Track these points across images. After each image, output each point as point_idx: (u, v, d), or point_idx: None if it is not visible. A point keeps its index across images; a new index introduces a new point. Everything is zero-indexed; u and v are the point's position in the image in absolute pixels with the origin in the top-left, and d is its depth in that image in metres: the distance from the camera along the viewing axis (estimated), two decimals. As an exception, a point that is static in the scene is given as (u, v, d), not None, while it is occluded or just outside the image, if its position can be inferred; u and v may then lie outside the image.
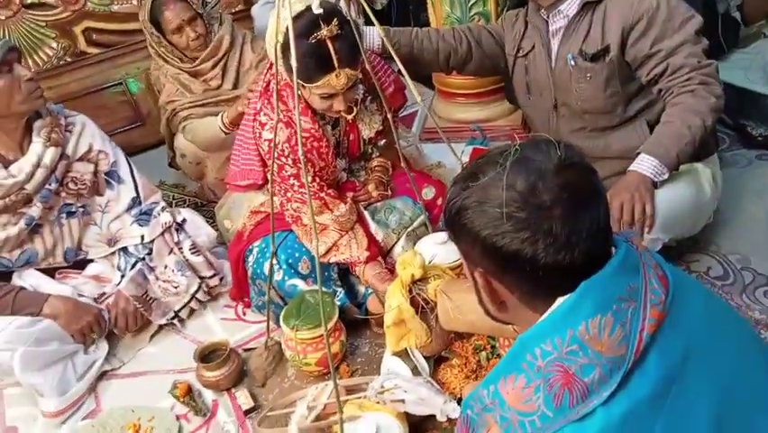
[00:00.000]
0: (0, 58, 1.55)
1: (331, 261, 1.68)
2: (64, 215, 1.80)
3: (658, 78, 1.53)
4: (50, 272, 1.82)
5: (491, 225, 0.72)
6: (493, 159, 0.75)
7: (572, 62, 1.62)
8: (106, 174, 1.87)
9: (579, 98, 1.66)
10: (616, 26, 1.54)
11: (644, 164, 1.47)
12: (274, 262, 1.66)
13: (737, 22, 2.46)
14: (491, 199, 0.72)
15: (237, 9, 3.00)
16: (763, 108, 2.15)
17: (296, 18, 1.31)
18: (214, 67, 2.21)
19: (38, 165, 1.69)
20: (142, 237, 1.86)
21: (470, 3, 2.28)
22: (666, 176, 1.47)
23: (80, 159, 1.81)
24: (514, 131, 2.52)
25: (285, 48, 1.35)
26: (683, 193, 1.54)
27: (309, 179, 1.66)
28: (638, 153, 1.49)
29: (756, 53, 2.41)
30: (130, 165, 1.93)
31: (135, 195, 1.90)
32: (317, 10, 1.28)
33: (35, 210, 1.72)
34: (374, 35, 1.69)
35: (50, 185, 1.73)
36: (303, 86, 1.51)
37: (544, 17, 1.68)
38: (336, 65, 1.44)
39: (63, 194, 1.78)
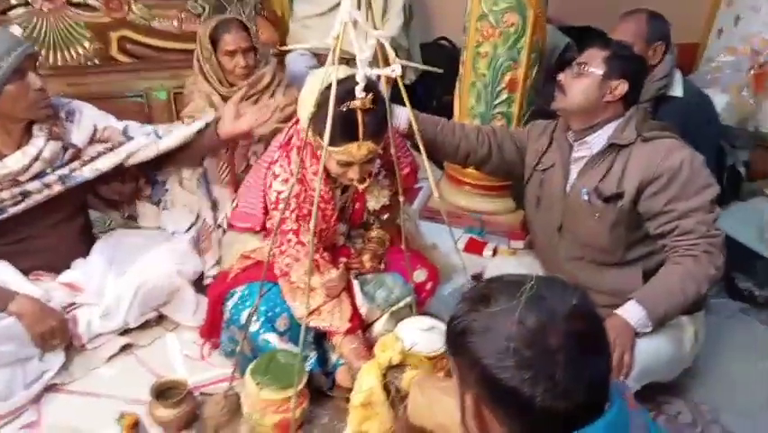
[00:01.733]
0: (16, 64, 1.55)
1: (311, 324, 1.65)
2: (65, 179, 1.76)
3: (666, 234, 1.56)
4: (25, 272, 1.77)
5: (495, 356, 0.72)
6: (508, 288, 0.76)
7: (585, 197, 1.65)
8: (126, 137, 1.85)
9: (584, 231, 1.69)
10: (635, 175, 1.57)
11: (632, 313, 1.49)
12: (253, 312, 1.64)
13: (741, 176, 2.57)
14: (500, 330, 0.72)
15: (271, 52, 3.06)
16: (753, 265, 2.21)
17: (329, 86, 1.34)
18: (247, 99, 2.26)
19: (36, 158, 1.67)
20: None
21: (495, 102, 2.36)
22: (649, 330, 1.49)
23: (90, 143, 1.78)
24: (512, 231, 2.55)
25: (318, 110, 1.37)
26: (663, 347, 1.56)
27: (314, 240, 1.67)
28: (629, 299, 1.50)
29: (754, 210, 2.49)
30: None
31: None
32: (361, 82, 1.30)
33: (31, 186, 1.69)
34: (403, 116, 1.73)
35: (43, 177, 1.69)
36: (322, 146, 1.53)
37: (571, 141, 1.72)
38: (361, 136, 1.47)
39: (70, 172, 1.74)
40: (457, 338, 0.77)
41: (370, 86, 1.46)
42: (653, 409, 1.70)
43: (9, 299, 1.66)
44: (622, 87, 1.59)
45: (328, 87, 1.33)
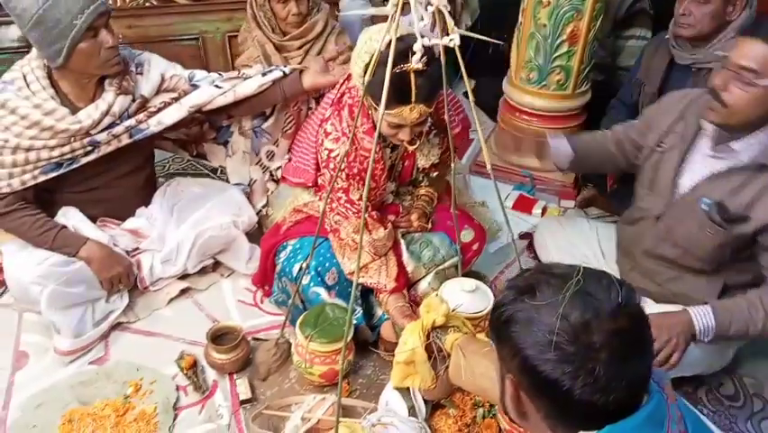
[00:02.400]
0: (88, 23, 1.56)
1: (358, 281, 1.71)
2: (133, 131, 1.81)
3: None
4: (92, 219, 1.87)
5: (537, 348, 0.74)
6: (554, 280, 0.77)
7: (705, 207, 1.46)
8: (192, 86, 1.88)
9: (686, 236, 1.53)
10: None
11: (702, 318, 1.44)
12: (304, 265, 1.70)
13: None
14: (543, 323, 0.74)
15: None
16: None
17: (388, 45, 1.32)
18: (299, 48, 2.30)
19: (106, 113, 1.72)
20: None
21: (555, 54, 2.27)
22: (707, 341, 1.45)
23: (157, 92, 1.82)
24: (564, 188, 2.51)
25: (372, 71, 1.35)
26: (709, 359, 1.54)
27: (359, 197, 1.70)
28: (706, 303, 1.46)
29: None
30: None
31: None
32: (419, 51, 1.27)
33: (100, 137, 1.75)
34: (562, 152, 1.77)
35: (112, 128, 1.74)
36: (375, 108, 1.53)
37: (709, 135, 1.49)
38: (413, 99, 1.46)
39: (136, 123, 1.78)
40: (501, 326, 0.79)
41: (425, 47, 1.42)
42: (695, 380, 1.69)
43: (80, 245, 1.77)
44: None
45: (384, 48, 1.32)
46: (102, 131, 1.73)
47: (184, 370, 1.69)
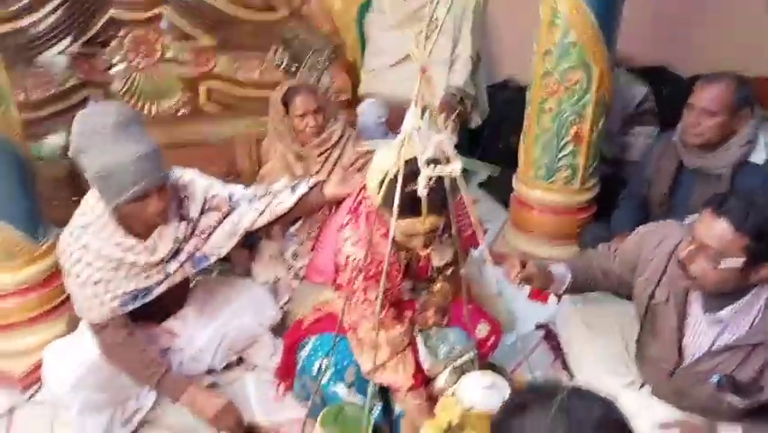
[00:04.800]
0: (140, 193, 1.61)
1: (375, 380, 1.77)
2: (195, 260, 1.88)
3: None
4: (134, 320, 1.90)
5: None
6: (542, 399, 0.85)
7: (716, 384, 1.45)
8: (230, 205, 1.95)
9: (703, 398, 1.50)
10: None
11: None
12: (325, 363, 1.77)
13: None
14: None
15: (344, 98, 3.23)
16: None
17: (407, 163, 1.45)
18: (319, 156, 2.46)
19: (175, 241, 1.79)
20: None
21: (560, 154, 2.40)
22: None
23: (202, 213, 1.88)
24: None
25: (385, 191, 1.48)
26: None
27: (374, 297, 1.79)
28: (740, 426, 1.46)
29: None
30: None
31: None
32: (423, 180, 1.38)
33: (171, 267, 1.81)
34: (558, 280, 1.80)
35: (177, 255, 1.81)
36: (387, 219, 1.65)
37: (698, 305, 1.50)
38: (424, 213, 1.58)
39: (194, 249, 1.85)
40: None
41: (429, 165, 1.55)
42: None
43: (181, 391, 1.76)
44: None
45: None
46: (170, 258, 1.80)
47: (209, 468, 1.74)
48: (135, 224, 1.74)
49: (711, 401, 1.51)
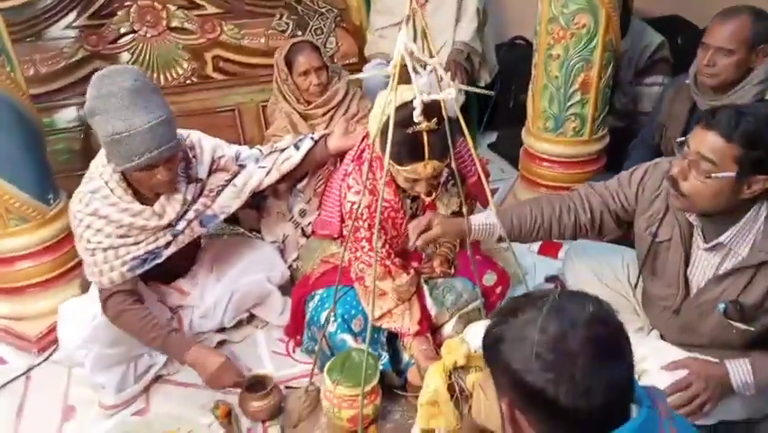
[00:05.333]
0: (146, 163, 1.61)
1: (383, 326, 1.77)
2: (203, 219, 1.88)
3: None
4: (145, 280, 1.93)
5: (522, 361, 0.80)
6: (534, 301, 0.85)
7: (722, 309, 1.43)
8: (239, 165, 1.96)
9: (709, 331, 1.50)
10: None
11: (740, 375, 1.41)
12: (330, 314, 1.77)
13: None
14: (525, 338, 0.81)
15: (351, 61, 3.20)
16: None
17: (400, 107, 1.43)
18: (324, 114, 2.44)
19: (184, 203, 1.79)
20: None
21: (569, 103, 2.35)
22: (749, 394, 1.42)
23: (210, 174, 1.88)
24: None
25: (384, 130, 1.47)
26: (757, 404, 1.48)
27: (386, 247, 1.79)
28: (749, 356, 1.42)
29: None
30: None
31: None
32: (419, 107, 1.38)
33: (180, 226, 1.81)
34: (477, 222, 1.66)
35: (186, 214, 1.81)
36: (392, 165, 1.64)
37: (697, 233, 1.46)
38: (427, 156, 1.55)
39: (203, 207, 1.85)
40: (490, 348, 0.87)
41: (433, 107, 1.53)
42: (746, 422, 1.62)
43: (185, 350, 1.77)
44: (764, 182, 1.31)
45: (395, 110, 1.44)
46: (179, 219, 1.81)
47: (219, 419, 1.76)
48: (143, 189, 1.75)
49: (719, 333, 1.47)
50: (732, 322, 1.43)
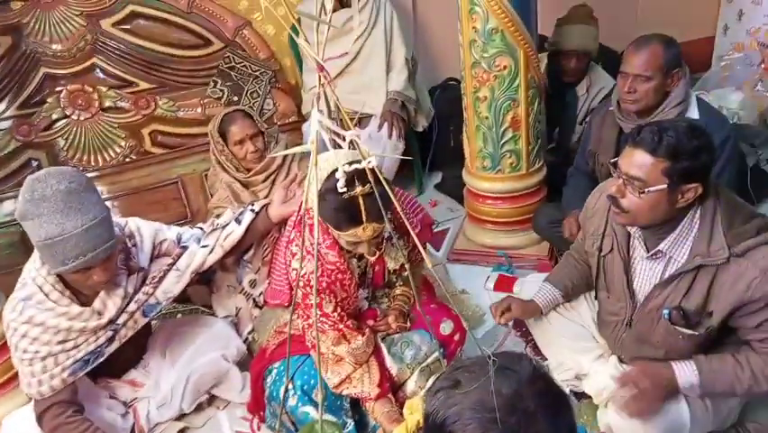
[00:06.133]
0: (81, 266, 1.58)
1: (343, 393, 1.73)
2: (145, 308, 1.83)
3: (752, 340, 1.45)
4: (93, 378, 1.88)
5: (482, 431, 0.77)
6: (469, 369, 0.83)
7: (667, 316, 1.47)
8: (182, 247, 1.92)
9: (660, 339, 1.53)
10: (727, 297, 1.40)
11: (685, 376, 1.46)
12: (290, 387, 1.74)
13: (766, 174, 2.49)
14: (481, 406, 0.77)
15: (290, 120, 3.23)
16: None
17: (332, 173, 1.44)
18: (264, 180, 2.41)
19: (125, 297, 1.75)
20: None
21: (502, 141, 2.41)
22: (695, 395, 1.46)
23: (152, 260, 1.86)
24: (540, 261, 2.57)
25: (319, 196, 1.46)
26: (720, 415, 1.53)
27: (331, 309, 1.77)
28: (694, 359, 1.47)
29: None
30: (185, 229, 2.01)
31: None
32: (342, 179, 1.37)
33: (120, 320, 1.76)
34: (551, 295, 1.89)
35: (127, 307, 1.76)
36: (332, 231, 1.64)
37: (639, 244, 1.53)
38: (365, 219, 1.55)
39: (146, 297, 1.81)
40: (441, 430, 0.81)
41: (364, 172, 1.53)
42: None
43: None
44: (695, 189, 1.38)
45: (328, 178, 1.45)
46: (120, 313, 1.75)
47: None
48: (81, 288, 1.70)
49: (669, 341, 1.51)
50: (677, 328, 1.47)
